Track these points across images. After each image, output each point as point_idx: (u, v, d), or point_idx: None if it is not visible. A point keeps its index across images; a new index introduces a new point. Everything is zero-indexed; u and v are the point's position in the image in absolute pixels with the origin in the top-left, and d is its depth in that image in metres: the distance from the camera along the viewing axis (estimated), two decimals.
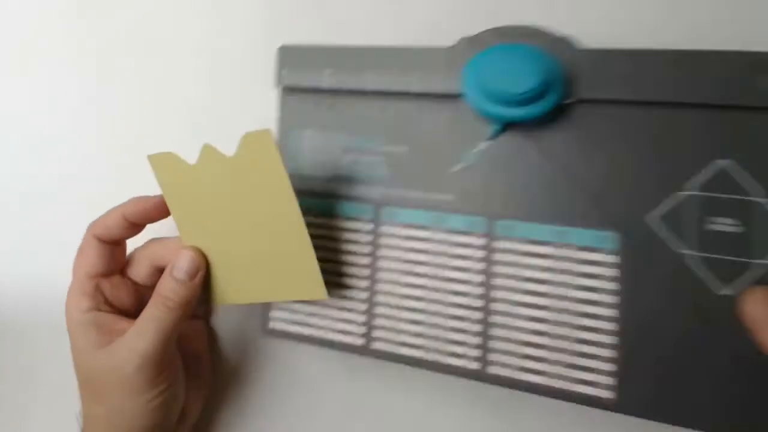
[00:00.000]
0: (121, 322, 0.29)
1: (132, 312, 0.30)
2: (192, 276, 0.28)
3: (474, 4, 0.30)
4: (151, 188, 0.35)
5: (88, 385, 0.28)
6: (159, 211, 0.29)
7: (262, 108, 0.36)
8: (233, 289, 0.29)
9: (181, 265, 0.28)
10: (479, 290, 0.26)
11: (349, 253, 0.29)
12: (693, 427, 0.23)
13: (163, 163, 0.27)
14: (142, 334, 0.27)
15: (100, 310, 0.29)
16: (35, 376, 0.35)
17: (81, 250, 0.30)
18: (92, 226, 0.30)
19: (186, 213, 0.28)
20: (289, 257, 0.27)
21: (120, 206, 0.30)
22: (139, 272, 0.31)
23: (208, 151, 0.26)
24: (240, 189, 0.27)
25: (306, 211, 0.26)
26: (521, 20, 0.26)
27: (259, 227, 0.27)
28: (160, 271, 0.30)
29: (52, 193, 0.35)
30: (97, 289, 0.29)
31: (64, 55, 0.35)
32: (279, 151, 0.25)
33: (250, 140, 0.25)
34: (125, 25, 0.35)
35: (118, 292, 0.30)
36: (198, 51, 0.36)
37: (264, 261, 0.28)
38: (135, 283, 0.31)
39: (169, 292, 0.28)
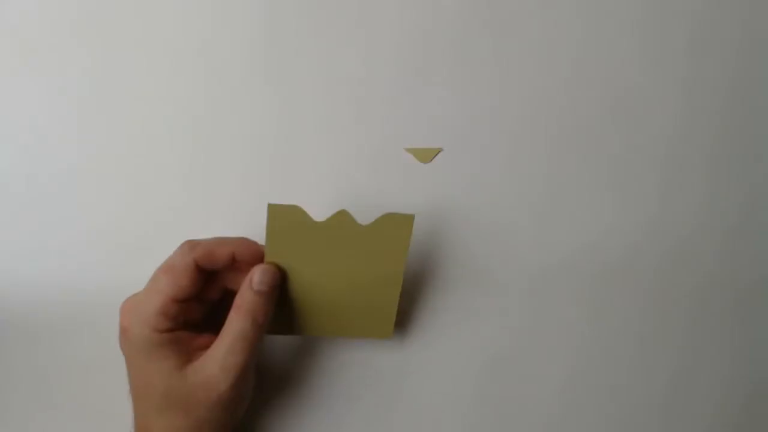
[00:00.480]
0: (198, 338, 0.29)
1: (200, 325, 0.30)
2: (272, 287, 0.29)
3: None
4: (152, 188, 0.35)
5: (164, 401, 0.28)
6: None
7: (261, 108, 0.36)
8: (305, 323, 0.31)
9: (260, 277, 0.28)
10: None
11: None
12: None
13: (283, 213, 0.28)
14: (234, 351, 0.27)
15: (178, 329, 0.28)
16: (35, 378, 0.35)
17: (173, 271, 0.28)
18: (194, 250, 0.28)
19: (283, 257, 0.29)
20: (374, 304, 0.30)
21: (228, 243, 0.29)
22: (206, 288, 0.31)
23: (342, 215, 0.28)
24: (357, 249, 0.29)
25: None
26: None
27: (357, 277, 0.30)
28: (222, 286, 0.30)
29: (52, 193, 0.35)
30: (180, 312, 0.28)
31: (64, 55, 0.35)
32: (411, 234, 0.29)
33: (391, 219, 0.28)
34: (125, 25, 0.35)
35: (191, 309, 0.30)
36: (198, 51, 0.36)
37: (348, 304, 0.30)
38: (197, 296, 0.30)
39: (252, 305, 0.28)
